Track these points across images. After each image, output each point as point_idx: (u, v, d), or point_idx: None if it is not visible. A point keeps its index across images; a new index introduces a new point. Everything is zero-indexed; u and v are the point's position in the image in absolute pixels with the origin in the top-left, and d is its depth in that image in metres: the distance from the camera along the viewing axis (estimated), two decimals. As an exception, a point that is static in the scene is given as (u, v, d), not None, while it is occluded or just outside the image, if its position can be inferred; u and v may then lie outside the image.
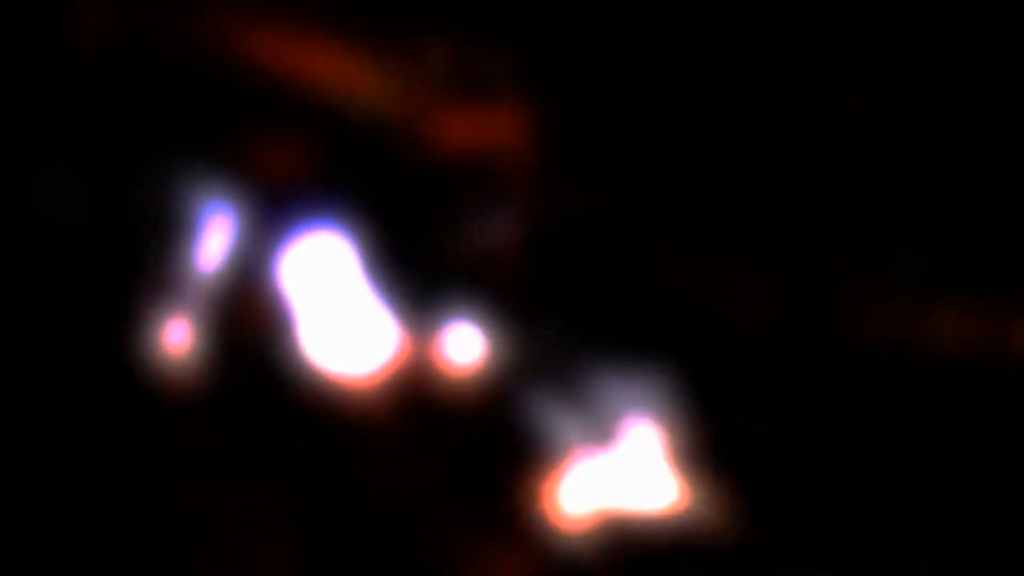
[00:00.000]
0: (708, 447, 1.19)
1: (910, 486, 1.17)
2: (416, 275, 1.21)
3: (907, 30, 1.19)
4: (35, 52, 1.22)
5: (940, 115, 1.19)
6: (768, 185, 1.20)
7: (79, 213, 1.22)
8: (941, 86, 1.19)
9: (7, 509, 1.19)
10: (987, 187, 1.19)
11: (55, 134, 1.23)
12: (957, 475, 1.17)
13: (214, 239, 1.22)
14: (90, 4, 1.23)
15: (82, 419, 1.20)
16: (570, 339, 1.20)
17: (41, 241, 1.22)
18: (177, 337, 1.21)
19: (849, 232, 1.19)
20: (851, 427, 1.19)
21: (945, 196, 1.19)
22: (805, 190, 1.20)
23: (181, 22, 1.22)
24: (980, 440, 1.18)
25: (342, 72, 1.22)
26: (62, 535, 1.18)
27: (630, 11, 1.21)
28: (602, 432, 1.19)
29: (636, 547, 1.17)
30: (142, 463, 1.20)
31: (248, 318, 1.21)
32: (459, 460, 1.19)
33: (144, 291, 1.21)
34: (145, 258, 1.21)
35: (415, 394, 1.20)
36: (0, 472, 1.19)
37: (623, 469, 1.19)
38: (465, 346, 1.20)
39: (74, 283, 1.21)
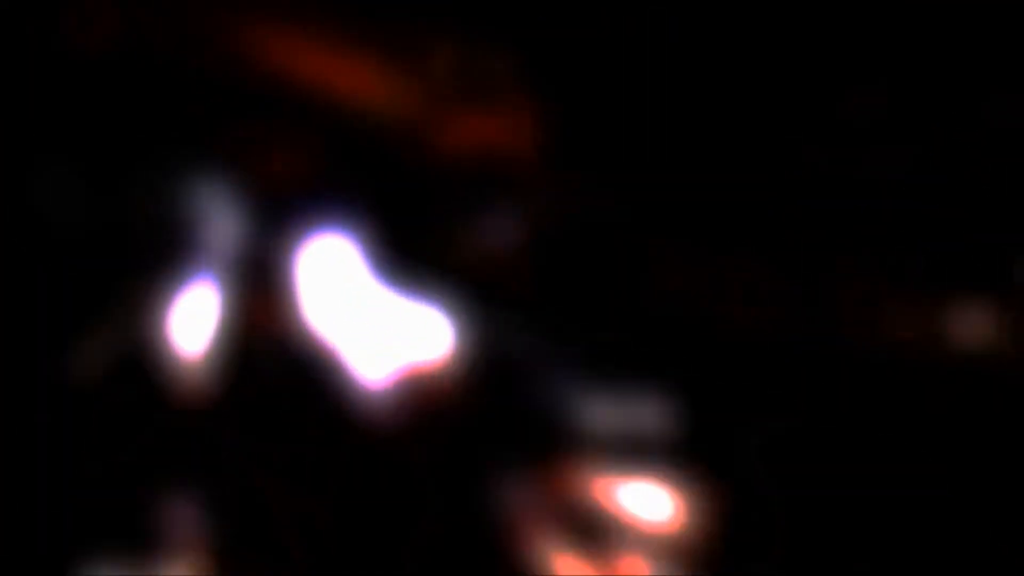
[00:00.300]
0: (708, 447, 1.19)
1: (911, 486, 1.18)
2: (420, 276, 1.21)
3: (907, 30, 1.19)
4: (35, 52, 1.22)
5: (940, 115, 1.19)
6: (768, 185, 1.20)
7: (79, 213, 1.22)
8: (941, 86, 1.19)
9: (7, 510, 1.19)
10: (987, 187, 1.19)
11: (56, 134, 1.22)
12: (959, 475, 1.17)
13: (219, 241, 1.22)
14: (91, 4, 1.23)
15: (83, 420, 1.20)
16: (572, 338, 1.20)
17: (41, 241, 1.22)
18: (184, 339, 1.21)
19: (849, 232, 1.20)
20: (852, 428, 1.19)
21: (945, 196, 1.19)
22: (805, 190, 1.20)
23: (183, 22, 1.22)
24: (982, 441, 1.18)
25: (346, 74, 1.22)
26: (63, 535, 1.18)
27: (631, 12, 1.21)
28: (603, 431, 1.20)
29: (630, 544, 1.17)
30: (146, 464, 1.20)
31: (255, 319, 1.21)
32: (463, 458, 1.19)
33: (147, 292, 1.21)
34: (147, 259, 1.21)
35: (420, 393, 1.20)
36: (0, 472, 1.19)
37: (621, 467, 1.19)
38: (467, 345, 1.21)
39: (74, 283, 1.21)
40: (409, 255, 1.22)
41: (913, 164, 1.19)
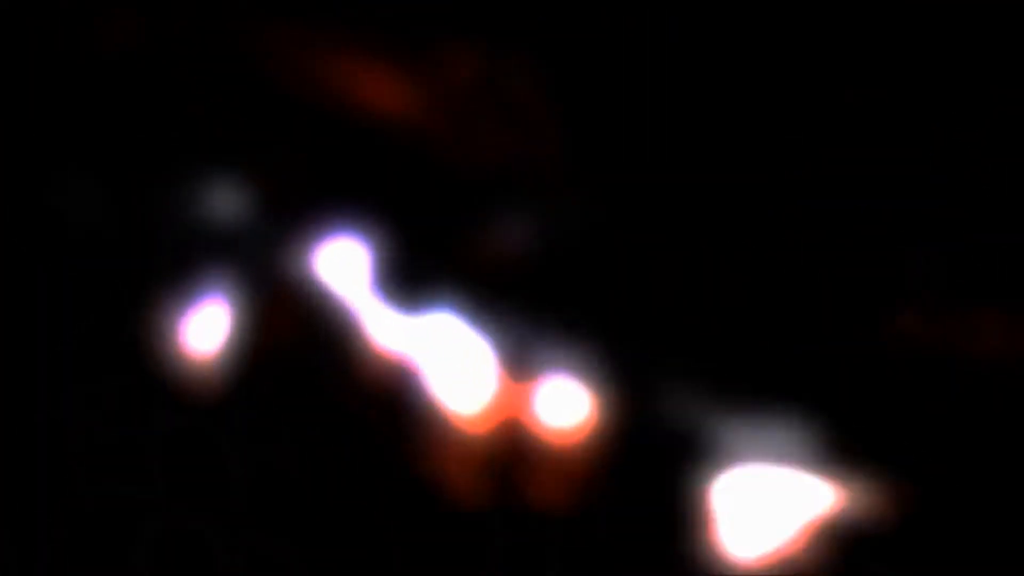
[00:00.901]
0: (715, 448, 1.19)
1: (916, 489, 1.17)
2: (436, 280, 1.21)
3: (907, 29, 1.19)
4: (53, 53, 1.23)
5: (940, 115, 1.20)
6: (768, 185, 1.20)
7: (101, 217, 1.23)
8: (941, 86, 1.19)
9: (8, 511, 1.19)
10: (989, 187, 1.19)
11: (72, 136, 1.23)
12: (965, 475, 1.17)
13: (235, 242, 1.22)
14: (115, 11, 1.23)
15: (94, 421, 1.20)
16: (586, 339, 1.20)
17: (61, 245, 1.22)
18: (199, 341, 1.21)
19: (850, 232, 1.20)
20: (857, 429, 1.19)
21: (946, 196, 1.19)
22: (805, 190, 1.20)
23: (205, 31, 1.23)
24: (987, 441, 1.18)
25: (367, 81, 1.23)
26: (63, 536, 1.18)
27: (642, 19, 1.22)
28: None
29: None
30: (155, 466, 1.20)
31: (272, 322, 1.21)
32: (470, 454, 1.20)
33: (166, 295, 1.21)
34: (167, 263, 1.22)
35: (429, 396, 1.20)
36: (3, 472, 1.19)
37: (629, 465, 1.19)
38: (487, 353, 1.21)
39: (93, 286, 1.22)
40: (427, 260, 1.22)
41: (913, 164, 1.19)
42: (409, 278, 1.22)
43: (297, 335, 1.22)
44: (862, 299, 1.20)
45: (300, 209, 1.23)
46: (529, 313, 1.21)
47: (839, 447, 1.18)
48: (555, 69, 1.23)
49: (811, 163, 1.20)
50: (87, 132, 1.23)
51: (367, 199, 1.23)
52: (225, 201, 1.23)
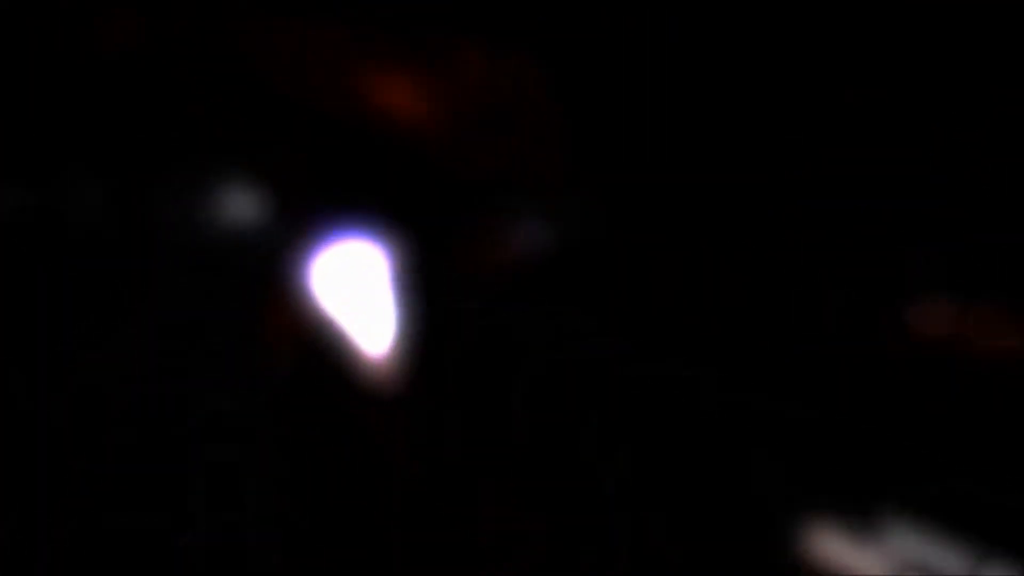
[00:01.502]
0: (714, 447, 1.19)
1: (917, 491, 1.17)
2: (442, 282, 1.21)
3: (907, 29, 1.19)
4: (60, 58, 1.23)
5: (940, 115, 1.20)
6: (768, 185, 1.20)
7: (101, 217, 1.23)
8: (941, 86, 1.19)
9: (9, 512, 1.19)
10: (989, 187, 1.19)
11: (78, 139, 1.23)
12: (959, 475, 1.17)
13: (243, 246, 1.23)
14: (115, 11, 1.23)
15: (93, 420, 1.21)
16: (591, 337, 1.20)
17: (61, 245, 1.22)
18: (203, 341, 1.22)
19: (850, 232, 1.20)
20: (859, 428, 1.19)
21: (946, 196, 1.19)
22: (805, 190, 1.20)
23: (205, 31, 1.23)
24: (987, 441, 1.18)
25: (375, 83, 1.23)
26: (63, 536, 1.19)
27: (632, 13, 1.22)
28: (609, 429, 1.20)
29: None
30: (155, 465, 1.20)
31: (276, 322, 1.22)
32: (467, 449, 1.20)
33: (169, 294, 1.21)
34: (170, 263, 1.22)
35: (436, 393, 1.20)
36: (3, 472, 1.19)
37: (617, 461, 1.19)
38: (489, 347, 1.21)
39: (93, 286, 1.22)
40: (435, 261, 1.22)
41: (913, 164, 1.19)
42: (412, 279, 1.22)
43: (300, 336, 1.22)
44: (862, 299, 1.20)
45: (301, 209, 1.23)
46: (532, 312, 1.21)
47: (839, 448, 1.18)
48: (555, 69, 1.23)
49: (811, 163, 1.20)
50: (87, 132, 1.23)
51: (367, 199, 1.23)
52: (225, 201, 1.23)
